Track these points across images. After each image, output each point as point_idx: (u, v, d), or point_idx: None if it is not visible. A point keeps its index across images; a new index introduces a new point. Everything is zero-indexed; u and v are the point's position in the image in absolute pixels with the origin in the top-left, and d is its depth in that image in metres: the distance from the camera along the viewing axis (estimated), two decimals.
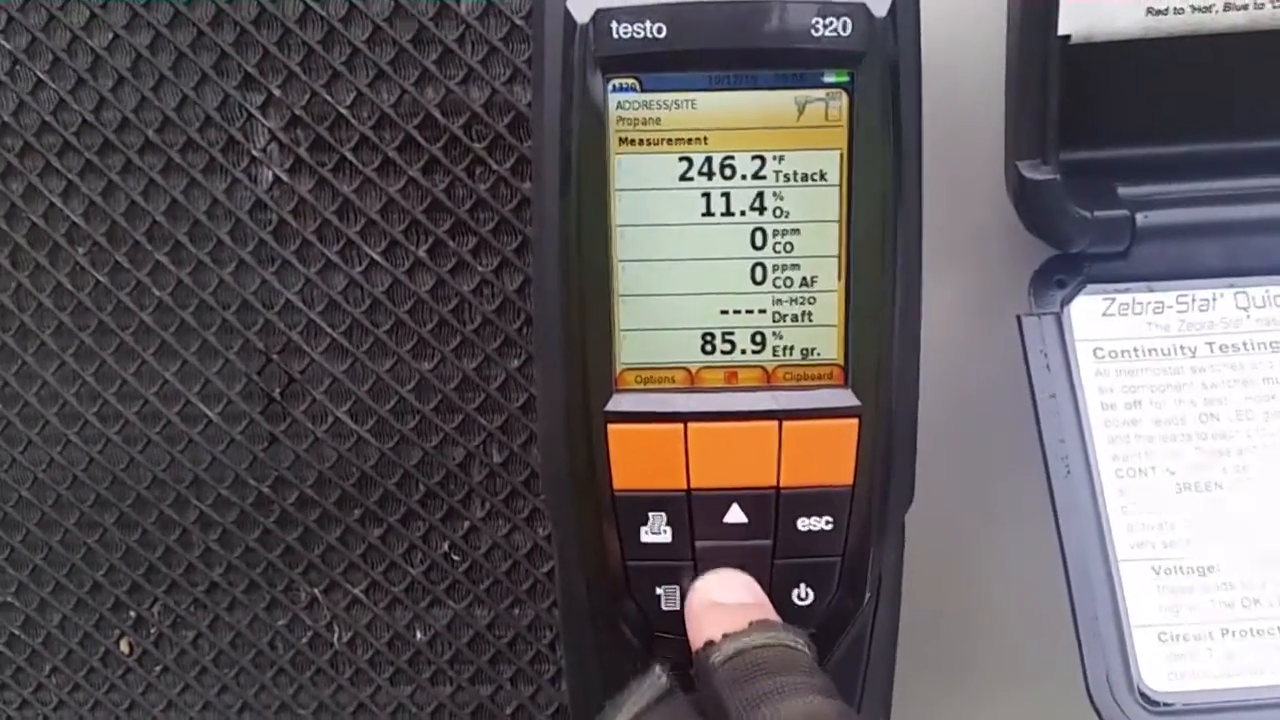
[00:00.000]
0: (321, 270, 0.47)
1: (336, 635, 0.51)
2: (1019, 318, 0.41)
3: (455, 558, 0.49)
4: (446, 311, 0.47)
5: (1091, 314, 0.41)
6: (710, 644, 0.35)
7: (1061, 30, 0.39)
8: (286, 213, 0.46)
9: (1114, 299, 0.41)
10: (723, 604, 0.37)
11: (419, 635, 0.50)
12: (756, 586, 0.38)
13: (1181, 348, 0.41)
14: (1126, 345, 0.41)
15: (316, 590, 0.50)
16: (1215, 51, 0.40)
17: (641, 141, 0.36)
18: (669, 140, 0.36)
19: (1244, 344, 0.41)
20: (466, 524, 0.49)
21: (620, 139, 0.36)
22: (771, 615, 0.37)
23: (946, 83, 0.40)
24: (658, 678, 0.36)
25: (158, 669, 0.52)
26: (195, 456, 0.49)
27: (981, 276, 0.45)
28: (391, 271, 0.46)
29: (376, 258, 0.46)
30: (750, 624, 0.35)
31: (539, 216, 0.38)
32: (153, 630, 0.52)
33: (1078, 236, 0.41)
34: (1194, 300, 0.41)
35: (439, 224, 0.46)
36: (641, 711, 0.35)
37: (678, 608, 0.38)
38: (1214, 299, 0.41)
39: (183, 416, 0.49)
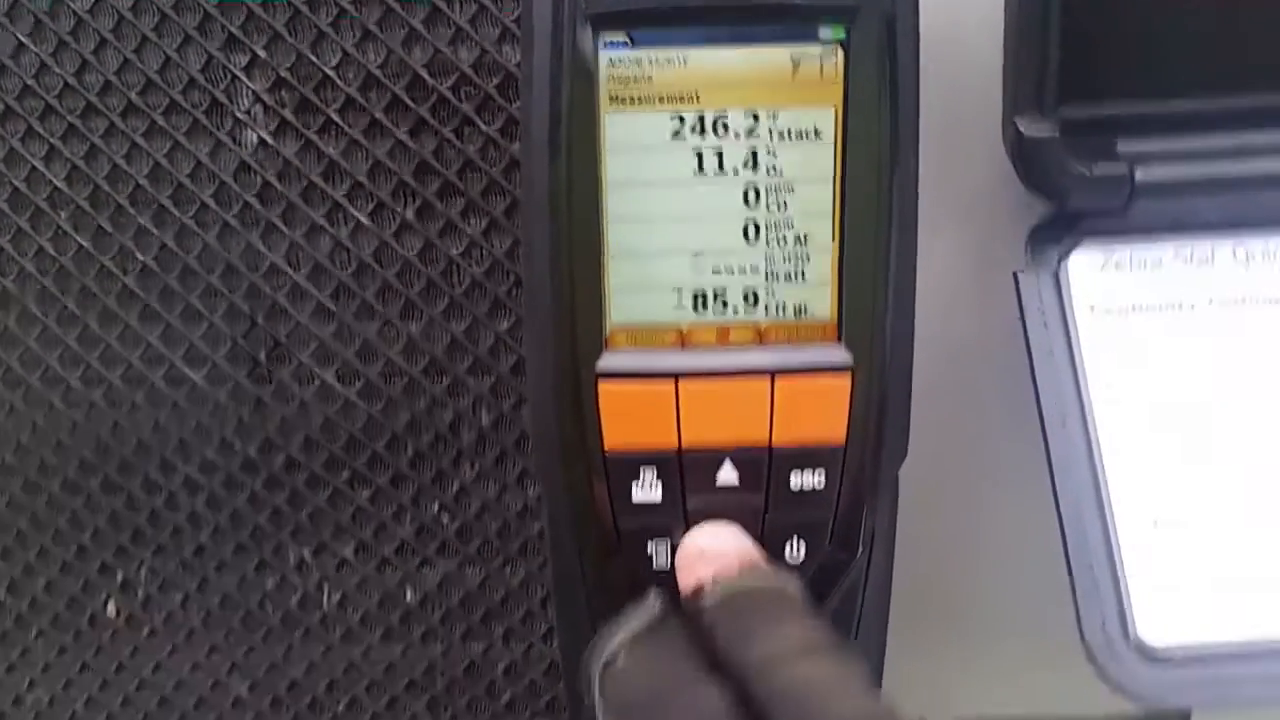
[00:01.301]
0: (308, 233, 0.46)
1: (326, 596, 0.51)
2: (1016, 274, 0.41)
3: (445, 518, 0.49)
4: (435, 274, 0.46)
5: (1089, 270, 0.41)
6: (701, 588, 0.35)
7: None
8: (271, 175, 0.46)
9: (1112, 255, 0.41)
10: (713, 551, 0.37)
11: (409, 595, 0.50)
12: (746, 537, 0.38)
13: (1180, 303, 0.41)
14: (1124, 301, 0.41)
15: (305, 551, 0.50)
16: (1218, 5, 0.40)
17: (632, 99, 0.36)
18: (660, 98, 0.36)
19: (1244, 298, 0.41)
20: (456, 485, 0.49)
21: (611, 97, 0.36)
22: (762, 562, 0.37)
23: (944, 37, 0.40)
24: (652, 604, 0.36)
25: (146, 631, 0.52)
26: (181, 420, 0.49)
27: (978, 233, 0.45)
28: (379, 234, 0.46)
29: (364, 220, 0.46)
30: (741, 566, 0.35)
31: (528, 176, 0.37)
32: (140, 593, 0.51)
33: (1076, 192, 0.41)
34: (1193, 255, 0.41)
35: (427, 186, 0.46)
36: (635, 637, 0.35)
37: (669, 566, 0.38)
38: (1213, 253, 0.41)
39: (168, 380, 0.48)
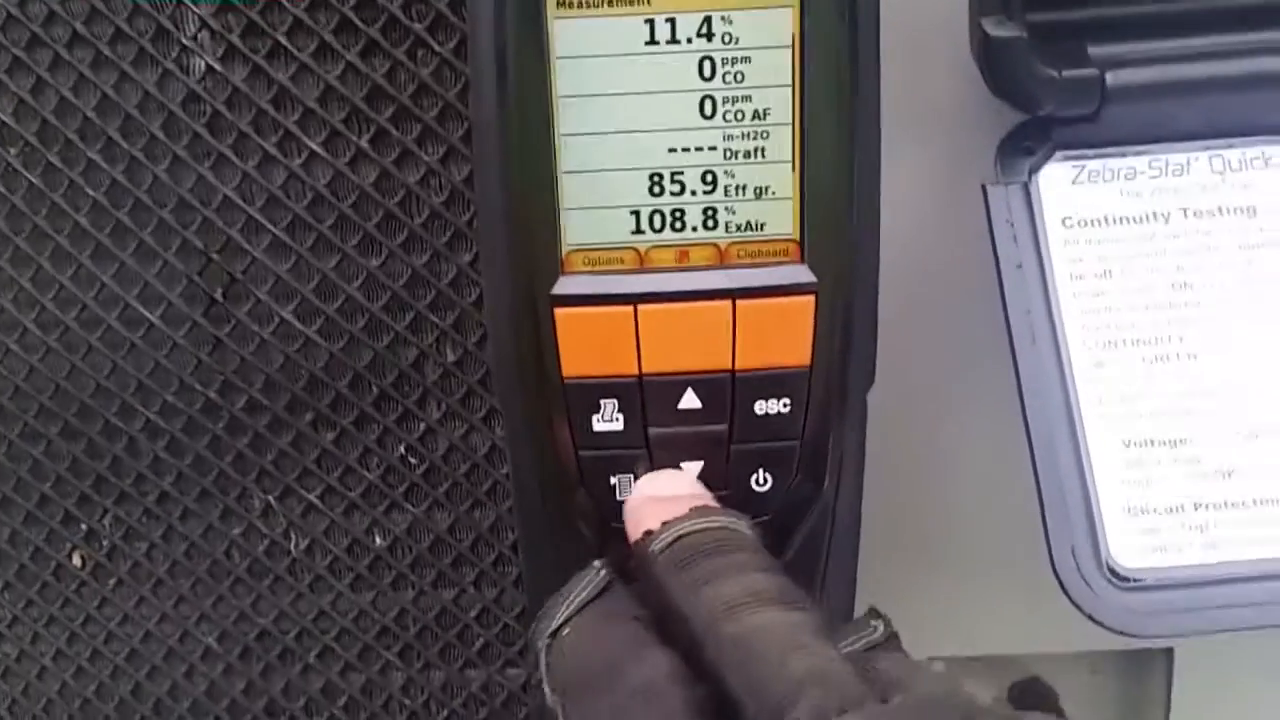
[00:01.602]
0: (260, 164, 0.45)
1: (294, 543, 0.49)
2: (984, 187, 0.40)
3: (412, 460, 0.48)
4: (393, 204, 0.45)
5: (1060, 182, 0.40)
6: (648, 533, 0.34)
7: None
8: (220, 104, 0.44)
9: (1084, 166, 0.40)
10: (661, 497, 0.36)
11: (378, 540, 0.49)
12: (697, 482, 0.37)
13: (1154, 214, 0.40)
14: (1097, 213, 0.40)
15: (271, 497, 0.49)
16: None
17: (580, 5, 0.34)
18: (609, 2, 0.34)
19: (1219, 208, 0.40)
20: (422, 425, 0.47)
21: (558, 2, 0.34)
22: (711, 503, 0.35)
23: None
24: (596, 572, 0.35)
25: (112, 582, 0.51)
26: (139, 362, 0.47)
27: (946, 144, 0.43)
28: (333, 163, 0.44)
29: (316, 149, 0.44)
30: (690, 509, 0.34)
31: (476, 92, 0.36)
32: (105, 543, 0.50)
33: (1045, 98, 0.39)
34: (1167, 165, 0.40)
35: (381, 111, 0.44)
36: (580, 607, 0.34)
37: None
38: (1188, 163, 0.40)
39: (124, 321, 0.47)
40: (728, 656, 0.30)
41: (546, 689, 0.33)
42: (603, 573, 0.35)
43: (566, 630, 0.34)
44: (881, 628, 0.33)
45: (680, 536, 0.33)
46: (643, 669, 0.31)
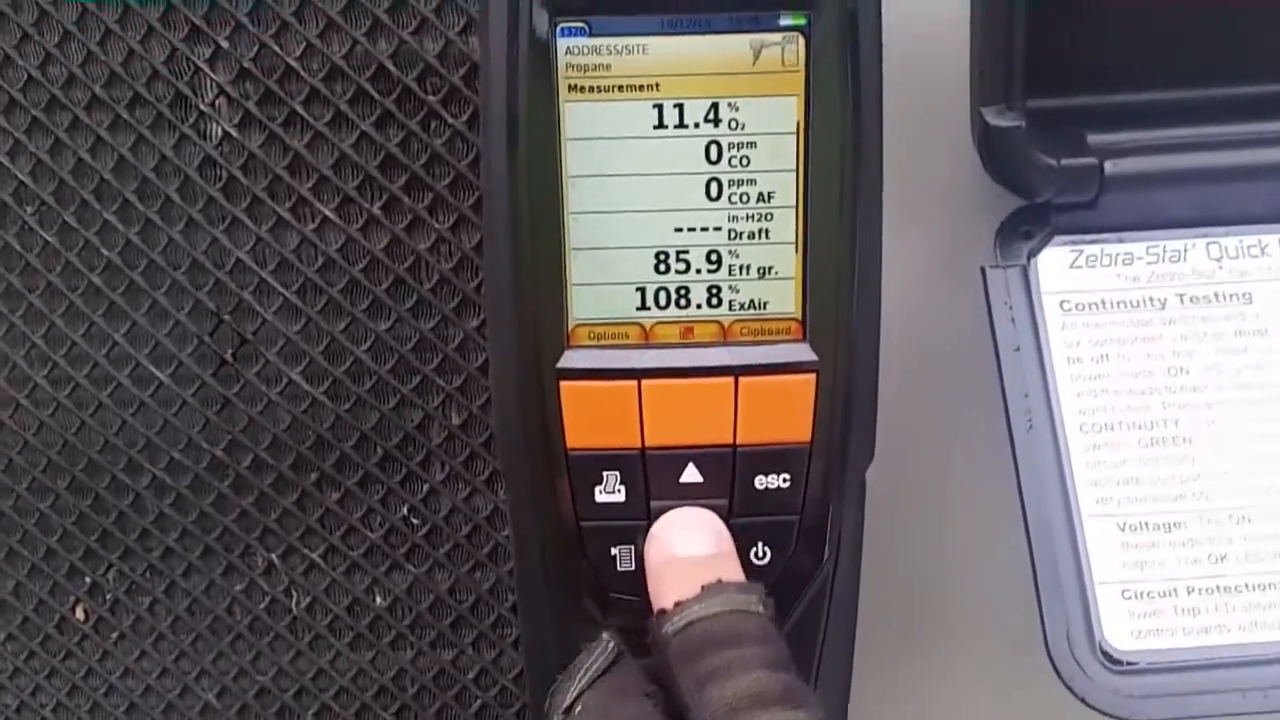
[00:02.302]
0: (273, 228, 0.45)
1: (295, 600, 0.50)
2: (983, 270, 0.40)
3: (414, 521, 0.48)
4: (402, 270, 0.45)
5: (1059, 266, 0.40)
6: (663, 613, 0.34)
7: None
8: (236, 169, 0.45)
9: (1082, 250, 0.40)
10: (680, 559, 0.36)
11: (379, 600, 0.49)
12: (719, 527, 0.37)
13: (1151, 299, 0.40)
14: (1094, 298, 0.40)
15: (274, 555, 0.49)
16: None
17: (591, 89, 0.35)
18: (620, 88, 0.35)
19: (1215, 295, 0.40)
20: (426, 487, 0.48)
21: (570, 86, 0.35)
22: (729, 569, 0.36)
23: (909, 26, 0.39)
24: (606, 645, 0.35)
25: (114, 636, 0.51)
26: (147, 420, 0.48)
27: (946, 228, 0.44)
28: (345, 229, 0.45)
29: (329, 214, 0.45)
30: (703, 589, 0.34)
31: (488, 169, 0.37)
32: (108, 597, 0.51)
33: (1044, 185, 0.40)
34: (1164, 251, 0.40)
35: (393, 179, 0.45)
36: (592, 681, 0.35)
37: (633, 569, 0.38)
38: (1185, 250, 0.40)
39: (134, 379, 0.47)
40: None
41: None
42: (611, 644, 0.35)
43: (579, 708, 0.34)
44: None
45: (691, 623, 0.33)
46: None
